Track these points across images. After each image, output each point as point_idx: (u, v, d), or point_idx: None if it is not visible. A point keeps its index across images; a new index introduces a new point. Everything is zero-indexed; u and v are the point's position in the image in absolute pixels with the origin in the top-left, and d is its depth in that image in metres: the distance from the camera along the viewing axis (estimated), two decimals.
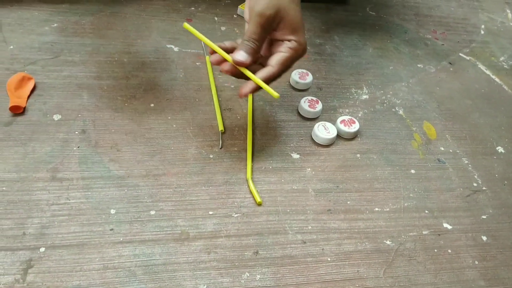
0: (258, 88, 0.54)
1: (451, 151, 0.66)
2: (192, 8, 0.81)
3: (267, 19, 0.53)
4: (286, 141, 0.62)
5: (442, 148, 0.66)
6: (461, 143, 0.67)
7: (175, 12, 0.79)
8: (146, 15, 0.77)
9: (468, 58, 0.83)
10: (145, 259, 0.48)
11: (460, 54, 0.83)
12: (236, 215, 0.53)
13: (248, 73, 0.54)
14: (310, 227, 0.54)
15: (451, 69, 0.80)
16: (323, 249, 0.52)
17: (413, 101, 0.72)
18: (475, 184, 0.62)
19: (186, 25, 0.54)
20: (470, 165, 0.64)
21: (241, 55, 0.53)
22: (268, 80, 0.54)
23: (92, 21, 0.74)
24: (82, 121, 0.59)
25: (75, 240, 0.48)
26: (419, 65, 0.79)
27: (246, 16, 0.57)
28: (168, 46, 0.72)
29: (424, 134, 0.67)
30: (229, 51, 0.55)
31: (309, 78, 0.69)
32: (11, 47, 0.66)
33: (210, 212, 0.53)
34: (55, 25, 0.72)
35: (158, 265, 0.48)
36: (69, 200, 0.51)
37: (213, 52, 0.54)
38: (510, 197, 0.62)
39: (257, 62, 0.56)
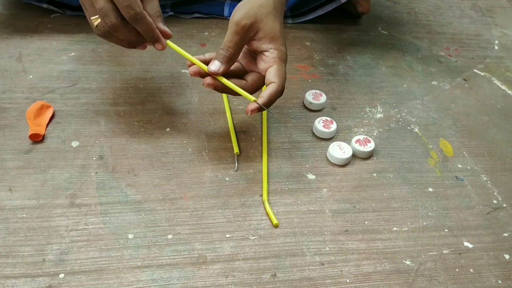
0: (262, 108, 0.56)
1: (469, 168, 0.65)
2: (206, 33, 0.82)
3: (243, 28, 0.55)
4: (301, 162, 0.62)
5: (460, 165, 0.65)
6: (479, 159, 0.66)
7: (188, 38, 0.80)
8: None
9: (482, 74, 0.82)
10: (163, 283, 0.48)
11: (474, 70, 0.83)
12: (253, 237, 0.53)
13: (224, 80, 0.56)
14: (328, 248, 0.53)
15: (466, 85, 0.79)
16: (341, 271, 0.51)
17: (428, 118, 0.72)
18: (495, 201, 0.61)
19: (169, 42, 0.58)
20: (489, 182, 0.64)
21: (214, 65, 0.55)
22: (276, 95, 0.56)
23: (108, 49, 0.76)
24: (100, 147, 0.60)
25: (94, 265, 0.49)
26: (433, 83, 0.79)
27: None
28: (183, 71, 0.73)
29: (441, 152, 0.67)
30: (208, 63, 0.57)
31: (322, 98, 0.69)
32: (30, 76, 0.68)
33: (227, 235, 0.53)
34: (72, 54, 0.73)
35: None
36: (88, 225, 0.52)
37: (192, 64, 0.57)
38: None
39: (242, 77, 0.59)
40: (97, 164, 0.58)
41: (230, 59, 0.56)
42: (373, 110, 0.72)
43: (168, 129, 0.64)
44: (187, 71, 0.73)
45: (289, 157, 0.63)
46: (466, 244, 0.56)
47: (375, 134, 0.68)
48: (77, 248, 0.50)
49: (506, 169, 0.66)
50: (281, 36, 0.58)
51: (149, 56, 0.75)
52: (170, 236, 0.52)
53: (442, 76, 0.80)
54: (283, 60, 0.57)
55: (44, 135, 0.60)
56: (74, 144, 0.60)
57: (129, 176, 0.58)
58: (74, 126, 0.62)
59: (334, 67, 0.79)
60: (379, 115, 0.71)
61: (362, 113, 0.71)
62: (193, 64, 0.57)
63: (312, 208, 0.57)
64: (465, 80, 0.80)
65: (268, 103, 0.56)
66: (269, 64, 0.57)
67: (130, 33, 0.56)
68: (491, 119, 0.73)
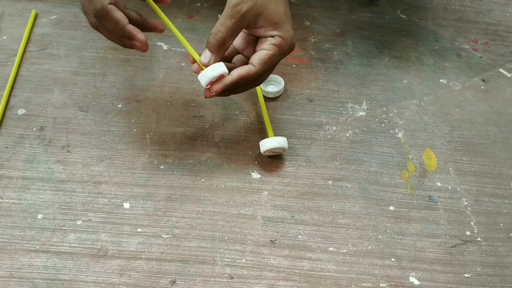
0: (228, 87, 0.48)
1: (449, 188, 0.55)
2: (198, 4, 0.76)
3: (238, 12, 0.47)
4: (251, 157, 0.56)
5: (439, 184, 0.55)
6: (466, 179, 0.56)
7: (177, 8, 0.75)
8: (147, 10, 0.73)
9: (509, 75, 0.69)
10: (54, 272, 0.46)
11: (500, 69, 0.70)
12: (166, 236, 0.49)
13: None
14: (244, 260, 0.48)
15: (482, 87, 0.67)
16: None
17: (420, 123, 0.61)
18: (468, 233, 0.51)
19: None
20: (469, 208, 0.53)
21: (203, 56, 0.49)
22: (246, 80, 0.48)
23: None
24: (44, 118, 0.58)
25: None
26: (441, 81, 0.67)
27: None
28: (158, 43, 0.69)
29: (421, 164, 0.57)
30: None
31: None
32: (4, 37, 0.67)
33: (139, 229, 0.49)
34: (53, 17, 0.71)
35: (64, 281, 0.45)
36: (2, 199, 0.50)
37: (195, 61, 0.50)
38: (511, 255, 0.50)
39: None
40: (35, 135, 0.56)
41: (219, 47, 0.48)
42: (355, 106, 0.63)
43: (120, 105, 0.60)
44: (162, 44, 0.69)
45: (238, 150, 0.57)
46: (412, 279, 0.47)
47: (347, 135, 0.59)
48: None
49: (497, 195, 0.55)
50: (286, 19, 0.50)
51: None
52: (79, 222, 0.49)
53: (455, 74, 0.68)
54: (284, 50, 0.50)
55: None
56: (21, 111, 0.59)
57: (62, 152, 0.55)
58: (27, 93, 0.61)
59: (328, 53, 0.70)
60: (360, 113, 0.62)
61: (341, 109, 0.62)
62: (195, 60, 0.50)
63: (244, 212, 0.51)
64: (483, 80, 0.68)
65: (232, 85, 0.48)
66: (265, 48, 0.49)
67: (108, 31, 0.50)
68: (500, 131, 0.61)
